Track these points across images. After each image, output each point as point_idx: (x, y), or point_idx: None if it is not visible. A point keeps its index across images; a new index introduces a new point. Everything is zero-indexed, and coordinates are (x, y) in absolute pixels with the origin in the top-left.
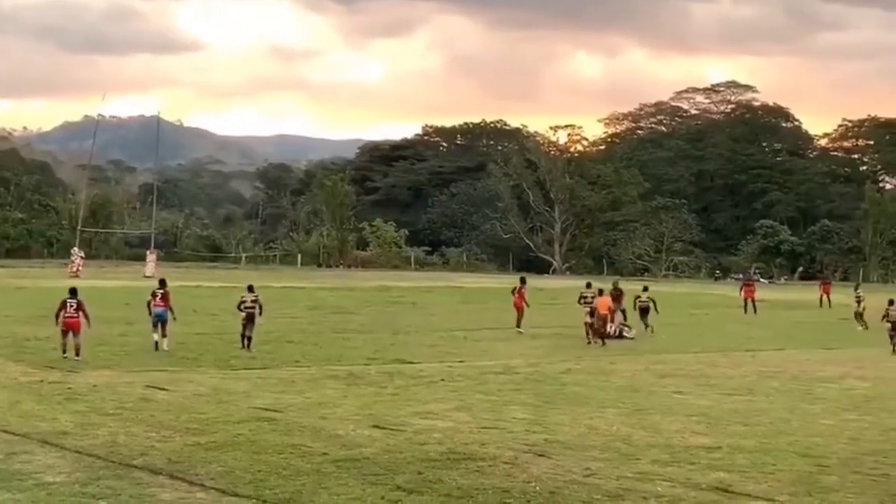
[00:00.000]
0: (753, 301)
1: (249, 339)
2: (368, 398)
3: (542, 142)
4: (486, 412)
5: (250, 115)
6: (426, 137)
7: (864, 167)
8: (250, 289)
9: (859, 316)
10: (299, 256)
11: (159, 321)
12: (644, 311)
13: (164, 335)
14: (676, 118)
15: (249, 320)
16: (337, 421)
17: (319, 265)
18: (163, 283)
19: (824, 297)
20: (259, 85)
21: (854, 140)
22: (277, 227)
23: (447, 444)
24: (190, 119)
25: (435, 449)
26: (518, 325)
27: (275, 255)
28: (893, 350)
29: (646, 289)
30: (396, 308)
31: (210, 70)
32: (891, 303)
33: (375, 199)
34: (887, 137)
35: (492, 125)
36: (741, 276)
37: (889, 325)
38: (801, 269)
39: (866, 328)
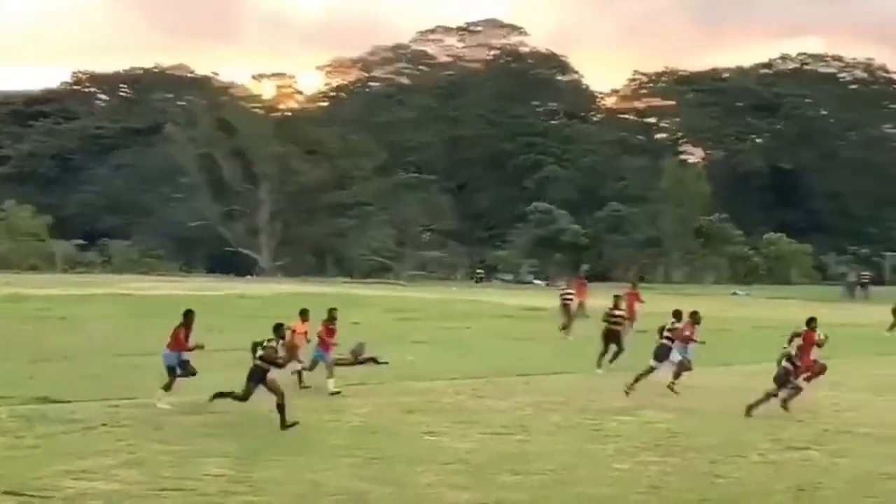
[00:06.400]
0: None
1: None
2: None
3: (240, 96)
4: (167, 468)
5: None
6: (77, 87)
7: (663, 134)
8: None
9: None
10: None
11: None
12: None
13: None
14: (422, 66)
15: None
16: None
17: None
18: None
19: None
20: None
21: (649, 98)
22: None
23: None
24: None
25: None
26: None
27: None
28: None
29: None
30: (37, 325)
31: None
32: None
33: (4, 172)
34: (690, 95)
35: (170, 72)
36: (512, 276)
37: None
38: (586, 266)
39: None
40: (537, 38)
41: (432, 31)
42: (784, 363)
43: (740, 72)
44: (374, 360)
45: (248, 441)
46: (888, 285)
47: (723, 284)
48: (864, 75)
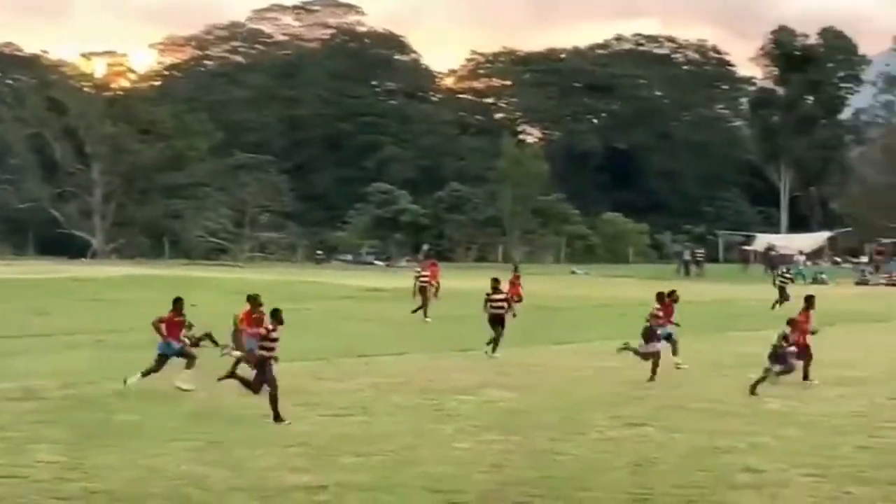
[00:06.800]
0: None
1: None
2: None
3: (71, 74)
4: None
5: None
6: None
7: (501, 114)
8: None
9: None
10: None
11: None
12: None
13: None
14: (258, 45)
15: None
16: None
17: None
18: None
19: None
20: None
21: (487, 79)
22: None
23: None
24: None
25: None
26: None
27: None
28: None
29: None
30: None
31: None
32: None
33: None
34: (527, 76)
35: None
36: (353, 257)
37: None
38: (427, 246)
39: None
40: (375, 18)
41: (268, 9)
42: (777, 342)
43: (576, 52)
44: (209, 338)
45: (82, 427)
46: (722, 262)
47: (562, 263)
48: (697, 56)
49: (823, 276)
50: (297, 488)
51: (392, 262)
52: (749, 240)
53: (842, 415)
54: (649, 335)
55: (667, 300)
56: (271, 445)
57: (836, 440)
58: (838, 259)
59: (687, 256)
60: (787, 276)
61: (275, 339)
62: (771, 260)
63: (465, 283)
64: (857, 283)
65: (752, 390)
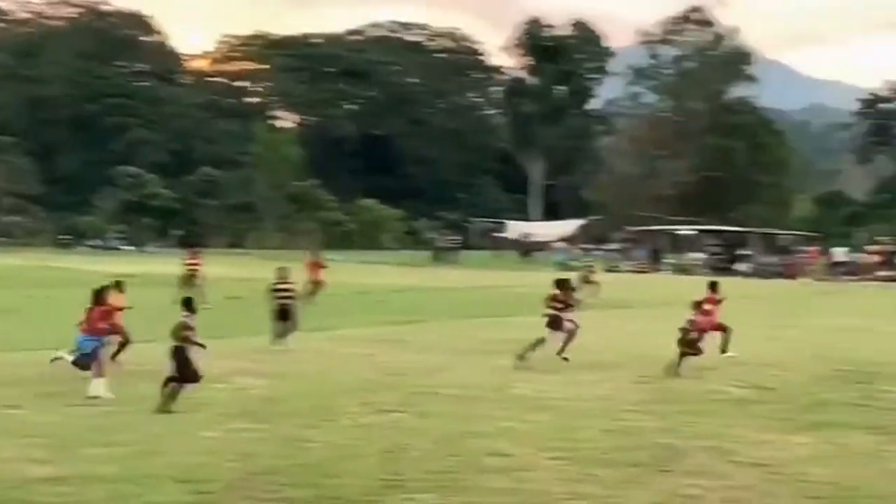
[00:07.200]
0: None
1: None
2: None
3: None
4: None
5: None
6: None
7: (255, 98)
8: None
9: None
10: None
11: None
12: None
13: None
14: None
15: None
16: None
17: None
18: None
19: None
20: None
21: (241, 62)
22: None
23: None
24: None
25: None
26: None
27: None
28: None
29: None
30: None
31: None
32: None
33: None
34: (281, 60)
35: None
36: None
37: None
38: (180, 231)
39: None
40: None
41: None
42: (684, 324)
43: (331, 38)
44: None
45: None
46: (475, 249)
47: (317, 250)
48: (452, 44)
49: (573, 262)
50: (38, 480)
51: (142, 248)
52: (500, 227)
53: (588, 399)
54: (555, 323)
55: (564, 287)
56: (10, 436)
57: (582, 424)
58: (587, 246)
59: (441, 243)
60: (590, 265)
61: (191, 328)
62: (525, 247)
63: (218, 269)
64: (607, 270)
65: (670, 372)
